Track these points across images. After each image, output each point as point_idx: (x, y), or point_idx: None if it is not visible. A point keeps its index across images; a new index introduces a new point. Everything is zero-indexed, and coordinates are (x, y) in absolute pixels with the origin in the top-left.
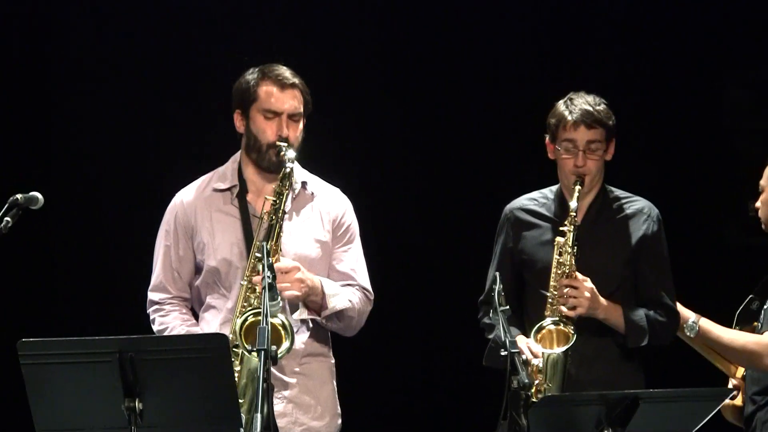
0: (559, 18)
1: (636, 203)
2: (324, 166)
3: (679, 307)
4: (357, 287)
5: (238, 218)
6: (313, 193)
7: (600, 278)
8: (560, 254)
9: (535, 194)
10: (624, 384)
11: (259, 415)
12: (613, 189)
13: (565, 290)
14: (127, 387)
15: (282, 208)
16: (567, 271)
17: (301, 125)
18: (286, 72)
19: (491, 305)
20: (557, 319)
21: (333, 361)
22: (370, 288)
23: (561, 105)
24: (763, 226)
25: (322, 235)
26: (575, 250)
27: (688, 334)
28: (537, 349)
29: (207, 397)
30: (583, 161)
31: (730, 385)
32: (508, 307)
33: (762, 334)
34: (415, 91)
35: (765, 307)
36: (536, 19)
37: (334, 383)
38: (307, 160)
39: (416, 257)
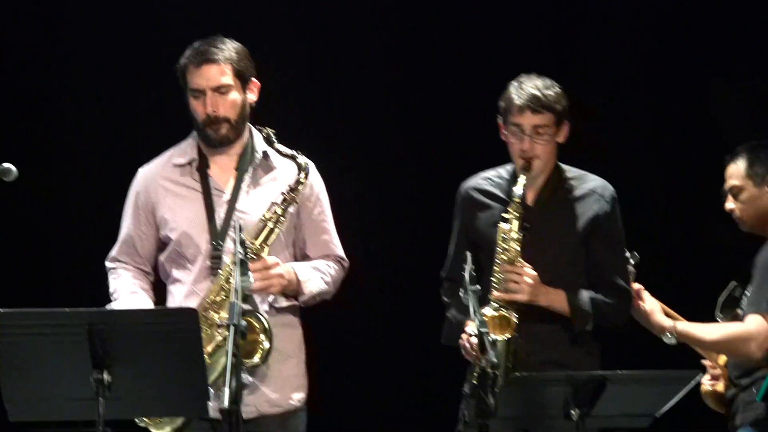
0: (545, 14)
1: (588, 183)
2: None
3: (656, 316)
4: (332, 258)
5: (200, 191)
6: (274, 164)
7: (552, 260)
8: (504, 240)
9: (490, 173)
10: (575, 367)
11: (227, 389)
12: (566, 169)
13: (507, 277)
14: (95, 359)
15: (284, 215)
16: (511, 257)
17: (234, 96)
18: (207, 46)
19: (453, 281)
20: (499, 305)
21: (301, 331)
22: (344, 255)
23: (511, 88)
24: (744, 227)
25: (278, 197)
26: (520, 237)
27: (667, 342)
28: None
29: (175, 371)
30: (530, 146)
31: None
32: (478, 286)
33: (743, 320)
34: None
35: (746, 293)
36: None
37: (302, 355)
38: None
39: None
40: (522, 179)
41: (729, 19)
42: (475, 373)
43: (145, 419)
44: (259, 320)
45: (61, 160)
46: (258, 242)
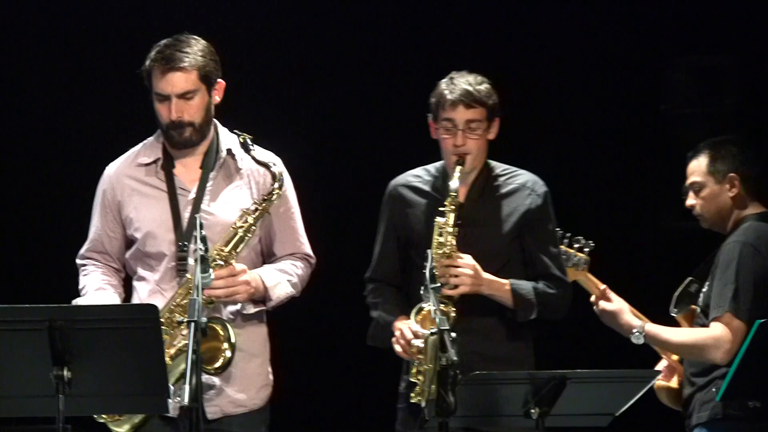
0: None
1: (519, 178)
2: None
3: (625, 316)
4: (298, 256)
5: (165, 191)
6: (240, 162)
7: (487, 256)
8: (440, 234)
9: (419, 171)
10: (514, 361)
11: (187, 387)
12: (496, 165)
13: (446, 270)
14: (56, 355)
15: (254, 224)
16: (447, 251)
17: (199, 100)
18: (173, 51)
19: (379, 281)
20: (437, 300)
21: (266, 330)
22: (311, 252)
23: (442, 84)
24: (705, 224)
25: (251, 205)
26: (456, 230)
27: (634, 342)
28: (416, 329)
29: (136, 367)
30: (463, 140)
31: (659, 367)
32: (439, 285)
33: (708, 325)
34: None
35: (704, 290)
36: None
37: (267, 354)
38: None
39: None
40: (457, 172)
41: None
42: (414, 371)
43: (104, 416)
44: (224, 328)
45: (27, 158)
46: (227, 249)
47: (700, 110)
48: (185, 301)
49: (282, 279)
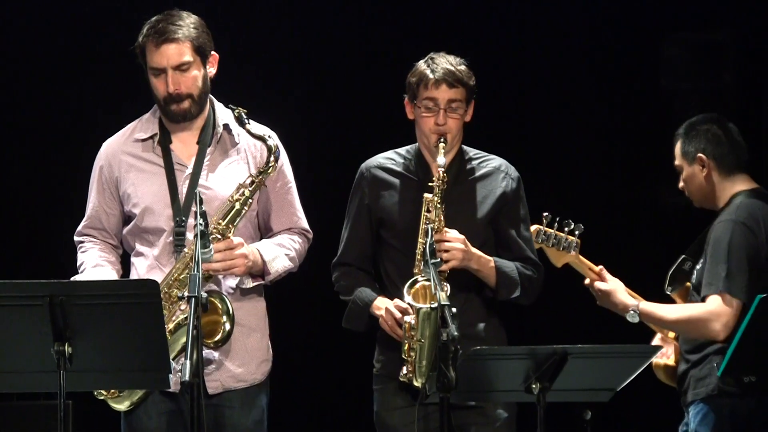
0: None
1: (493, 161)
2: None
3: (619, 294)
4: (296, 231)
5: (162, 166)
6: (237, 137)
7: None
8: (429, 210)
9: (389, 153)
10: (487, 339)
11: (188, 362)
12: (468, 149)
13: (437, 246)
14: (56, 331)
15: (251, 197)
16: (435, 227)
17: (194, 72)
18: (165, 24)
19: (348, 265)
20: (426, 276)
21: (264, 304)
22: (308, 227)
23: (422, 64)
24: (697, 204)
25: (247, 179)
26: (443, 206)
27: (630, 321)
28: (404, 306)
29: (137, 343)
30: (444, 119)
31: (655, 342)
32: (439, 260)
33: (705, 300)
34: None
35: (697, 267)
36: None
37: (266, 329)
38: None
39: None
40: (441, 148)
41: None
42: (405, 347)
43: (103, 392)
44: (222, 301)
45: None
46: (224, 223)
47: (697, 86)
48: (183, 276)
49: (280, 253)
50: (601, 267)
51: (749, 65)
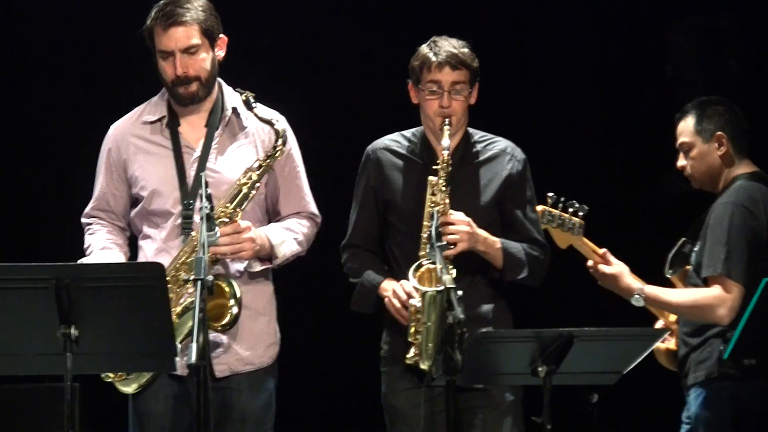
0: None
1: (498, 144)
2: None
3: (625, 278)
4: (304, 215)
5: (170, 149)
6: (245, 120)
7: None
8: (433, 193)
9: (395, 136)
10: (493, 321)
11: (194, 345)
12: (474, 132)
13: (442, 229)
14: (62, 314)
15: (259, 181)
16: (441, 210)
17: (203, 54)
18: (173, 7)
19: (357, 247)
20: (431, 259)
21: (272, 288)
22: (317, 211)
23: (425, 48)
24: (696, 184)
25: (254, 162)
26: (448, 189)
27: (635, 304)
28: (410, 289)
29: (143, 325)
30: (448, 102)
31: (658, 326)
32: (445, 243)
33: (706, 282)
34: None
35: (696, 249)
36: None
37: (273, 312)
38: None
39: None
40: (446, 130)
41: None
42: (412, 330)
43: (110, 375)
44: (229, 285)
45: (32, 117)
46: (232, 206)
47: (703, 73)
48: (190, 259)
49: (288, 237)
50: (605, 250)
51: (755, 52)
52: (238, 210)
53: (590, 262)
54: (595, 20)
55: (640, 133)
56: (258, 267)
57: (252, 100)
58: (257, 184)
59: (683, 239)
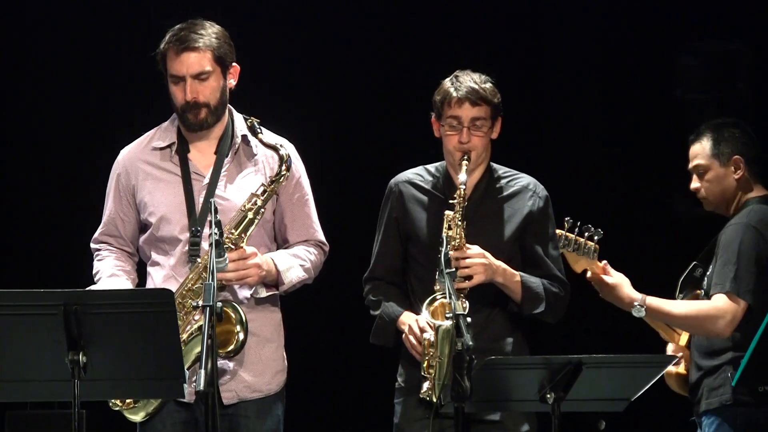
0: None
1: (521, 180)
2: None
3: (625, 289)
4: (312, 243)
5: (179, 175)
6: (255, 149)
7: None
8: (449, 228)
9: (419, 170)
10: (511, 355)
11: (203, 371)
12: (498, 167)
13: (457, 263)
14: (71, 340)
15: (263, 206)
16: (456, 244)
17: (213, 82)
18: (187, 32)
19: (380, 280)
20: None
21: (280, 315)
22: (324, 239)
23: (447, 82)
24: (709, 207)
25: (259, 188)
26: (464, 224)
27: (636, 315)
28: (423, 324)
29: (151, 352)
30: (468, 137)
31: (668, 352)
32: (455, 269)
33: (710, 298)
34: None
35: (708, 273)
36: None
37: (281, 339)
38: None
39: None
40: (464, 165)
41: None
42: (425, 365)
43: (118, 403)
44: (235, 310)
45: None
46: (237, 232)
47: (712, 96)
48: (197, 286)
49: (294, 263)
50: (605, 262)
51: (764, 75)
52: (243, 236)
53: (589, 273)
54: (607, 43)
55: (651, 156)
56: (264, 293)
57: (257, 126)
58: (262, 210)
59: (694, 263)
